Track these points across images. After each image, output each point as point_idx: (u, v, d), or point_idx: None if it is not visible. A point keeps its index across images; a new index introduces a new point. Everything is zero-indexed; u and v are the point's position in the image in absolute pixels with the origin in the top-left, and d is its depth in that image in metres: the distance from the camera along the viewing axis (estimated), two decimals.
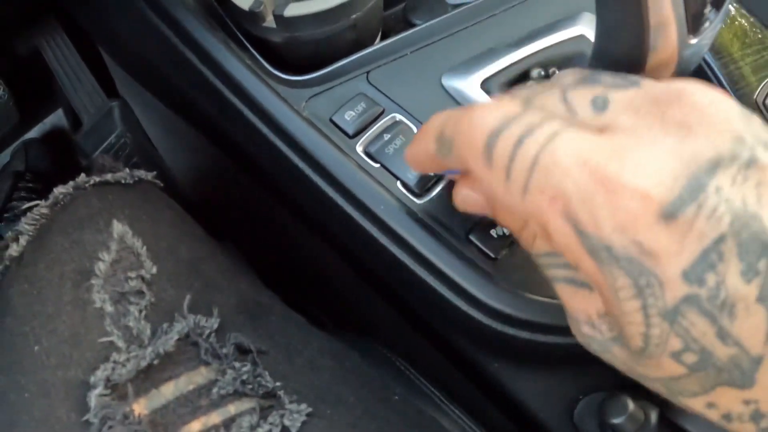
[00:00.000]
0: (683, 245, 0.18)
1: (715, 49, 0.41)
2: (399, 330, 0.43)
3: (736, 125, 0.19)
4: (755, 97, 0.41)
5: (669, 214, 0.18)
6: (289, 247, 0.51)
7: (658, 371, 0.21)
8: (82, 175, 0.36)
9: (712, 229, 0.18)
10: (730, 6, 0.42)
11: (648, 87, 0.20)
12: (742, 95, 0.40)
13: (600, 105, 0.21)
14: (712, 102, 0.19)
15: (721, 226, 0.18)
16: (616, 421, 0.31)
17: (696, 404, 0.21)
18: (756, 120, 0.20)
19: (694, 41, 0.23)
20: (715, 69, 0.40)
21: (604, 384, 0.34)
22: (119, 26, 0.46)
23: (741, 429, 0.21)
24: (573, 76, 0.23)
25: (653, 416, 0.32)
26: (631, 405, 0.32)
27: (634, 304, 0.19)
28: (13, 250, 0.34)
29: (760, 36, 0.43)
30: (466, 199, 0.26)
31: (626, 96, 0.20)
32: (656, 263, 0.18)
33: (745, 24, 0.43)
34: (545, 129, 0.20)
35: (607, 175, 0.18)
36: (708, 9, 0.23)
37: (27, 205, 0.35)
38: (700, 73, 0.39)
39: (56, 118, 0.76)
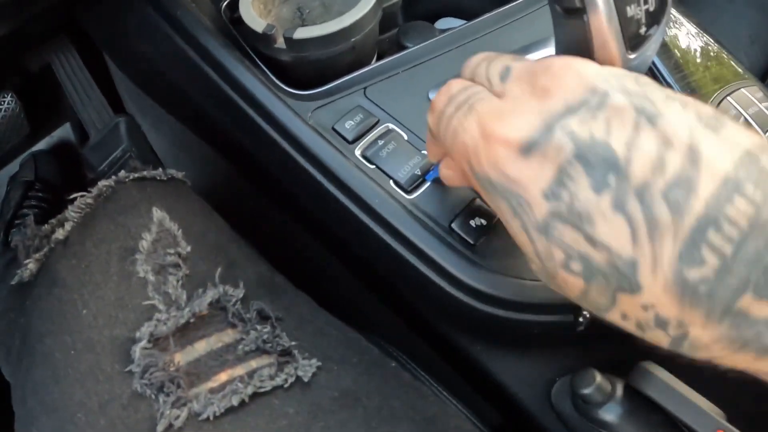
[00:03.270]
0: (539, 172, 0.24)
1: (675, 65, 0.46)
2: (392, 324, 0.47)
3: (589, 81, 0.24)
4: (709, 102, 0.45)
5: (525, 151, 0.24)
6: (290, 253, 0.55)
7: (567, 288, 0.25)
8: (122, 171, 0.40)
9: (557, 157, 0.23)
10: (715, 46, 0.48)
11: (530, 62, 0.27)
12: None
13: (504, 75, 0.27)
14: (568, 68, 0.25)
15: (565, 153, 0.23)
16: (585, 391, 0.34)
17: (614, 317, 0.24)
18: (624, 76, 0.24)
19: (633, 56, 0.28)
20: (669, 80, 0.45)
21: (579, 366, 0.36)
22: (141, 46, 0.50)
23: (655, 337, 0.23)
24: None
25: (619, 387, 0.34)
26: (598, 377, 0.34)
27: (516, 223, 0.25)
28: (60, 233, 0.38)
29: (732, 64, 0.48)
30: (447, 175, 0.33)
31: (517, 67, 0.27)
32: (521, 188, 0.24)
33: (725, 56, 0.49)
34: (464, 108, 0.27)
35: (488, 131, 0.25)
36: (643, 30, 0.28)
37: (73, 195, 0.40)
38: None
39: (64, 131, 0.78)
